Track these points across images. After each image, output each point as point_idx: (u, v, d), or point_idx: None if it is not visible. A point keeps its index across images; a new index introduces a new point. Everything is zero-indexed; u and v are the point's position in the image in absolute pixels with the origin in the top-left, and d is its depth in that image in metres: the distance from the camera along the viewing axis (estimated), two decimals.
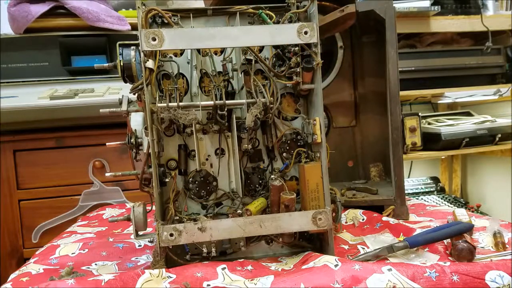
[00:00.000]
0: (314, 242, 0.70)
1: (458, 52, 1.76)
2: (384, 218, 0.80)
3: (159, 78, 0.67)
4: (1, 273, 1.32)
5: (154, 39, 0.58)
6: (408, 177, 2.11)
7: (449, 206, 1.41)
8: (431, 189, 2.00)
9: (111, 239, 0.81)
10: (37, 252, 0.74)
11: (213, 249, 0.64)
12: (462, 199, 1.96)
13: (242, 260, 0.63)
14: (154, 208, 0.64)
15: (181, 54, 0.69)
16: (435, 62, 1.72)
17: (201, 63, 0.69)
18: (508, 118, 1.79)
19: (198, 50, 0.69)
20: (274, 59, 0.69)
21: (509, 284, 0.51)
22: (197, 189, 0.68)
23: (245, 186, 0.69)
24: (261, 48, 0.70)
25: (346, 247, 0.71)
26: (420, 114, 1.67)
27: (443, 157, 2.16)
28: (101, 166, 1.37)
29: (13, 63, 1.38)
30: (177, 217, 0.65)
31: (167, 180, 0.65)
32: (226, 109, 0.65)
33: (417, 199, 1.63)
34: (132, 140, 0.66)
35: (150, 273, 0.54)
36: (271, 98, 0.66)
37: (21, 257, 1.34)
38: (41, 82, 1.37)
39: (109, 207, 1.15)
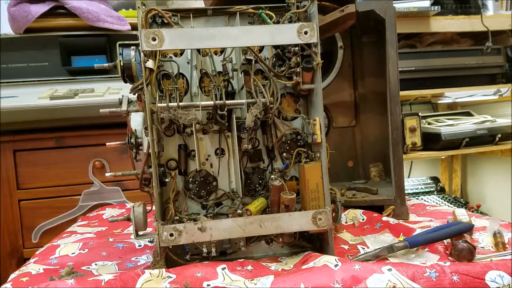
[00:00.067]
0: (314, 242, 0.70)
1: (458, 52, 1.76)
2: (384, 218, 0.80)
3: (159, 78, 0.67)
4: (1, 273, 1.32)
5: (154, 39, 0.58)
6: (408, 177, 2.11)
7: (449, 206, 1.41)
8: (431, 189, 2.00)
9: (111, 239, 0.81)
10: (37, 252, 0.74)
11: (213, 249, 0.64)
12: (462, 199, 1.96)
13: (242, 260, 0.63)
14: (154, 208, 0.64)
15: (181, 54, 0.69)
16: (435, 62, 1.72)
17: (201, 63, 0.69)
18: (508, 118, 1.79)
19: (198, 50, 0.69)
20: (274, 59, 0.69)
21: (509, 284, 0.51)
22: (197, 189, 0.68)
23: (245, 186, 0.69)
24: (261, 48, 0.70)
25: (346, 247, 0.71)
26: (420, 114, 1.67)
27: (443, 157, 2.16)
28: (101, 166, 1.37)
29: (13, 63, 1.38)
30: (177, 217, 0.65)
31: (167, 180, 0.65)
32: (226, 109, 0.65)
33: (417, 199, 1.63)
34: (132, 140, 0.66)
35: (150, 273, 0.54)
36: (271, 98, 0.66)
37: (21, 257, 1.34)
38: (41, 82, 1.37)
39: (109, 207, 1.15)
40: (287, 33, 0.62)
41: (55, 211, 1.34)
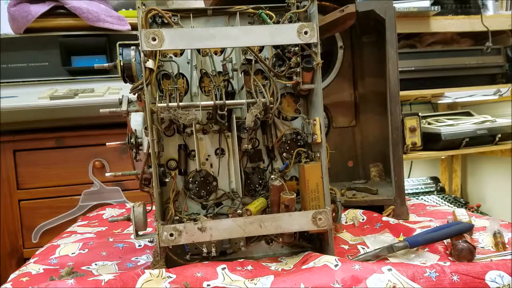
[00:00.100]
0: (314, 242, 0.70)
1: (458, 52, 1.76)
2: (384, 218, 0.80)
3: (159, 78, 0.67)
4: (1, 273, 1.32)
5: (154, 39, 0.58)
6: (408, 177, 2.11)
7: (449, 206, 1.41)
8: (431, 189, 2.00)
9: (111, 239, 0.81)
10: (37, 252, 0.74)
11: (213, 249, 0.64)
12: (462, 199, 1.96)
13: (242, 260, 0.63)
14: (154, 208, 0.64)
15: (181, 54, 0.69)
16: (435, 62, 1.72)
17: (201, 63, 0.69)
18: (508, 118, 1.79)
19: (198, 50, 0.69)
20: (274, 59, 0.69)
21: (509, 284, 0.51)
22: (197, 189, 0.68)
23: (245, 186, 0.69)
24: (261, 48, 0.70)
25: (346, 247, 0.71)
26: (420, 114, 1.67)
27: (443, 157, 2.16)
28: (101, 166, 1.37)
29: (13, 63, 1.38)
30: (177, 217, 0.65)
31: (167, 180, 0.65)
32: (226, 109, 0.65)
33: (417, 199, 1.63)
34: (132, 140, 0.66)
35: (150, 273, 0.54)
36: (271, 98, 0.66)
37: (21, 257, 1.34)
38: (41, 82, 1.37)
39: (109, 207, 1.15)
40: (287, 33, 0.62)
41: (55, 211, 1.34)
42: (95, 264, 0.67)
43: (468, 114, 1.91)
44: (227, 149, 0.70)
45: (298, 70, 0.66)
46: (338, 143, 1.07)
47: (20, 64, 1.38)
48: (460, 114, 1.91)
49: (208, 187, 0.69)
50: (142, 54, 0.60)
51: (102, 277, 0.53)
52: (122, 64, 0.64)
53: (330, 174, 0.66)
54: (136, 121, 0.68)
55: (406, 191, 1.20)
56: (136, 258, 0.71)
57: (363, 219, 0.83)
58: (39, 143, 1.34)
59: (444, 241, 0.64)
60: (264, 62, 0.67)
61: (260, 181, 0.70)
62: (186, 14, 0.68)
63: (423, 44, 1.82)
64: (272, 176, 0.67)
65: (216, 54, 0.70)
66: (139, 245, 0.77)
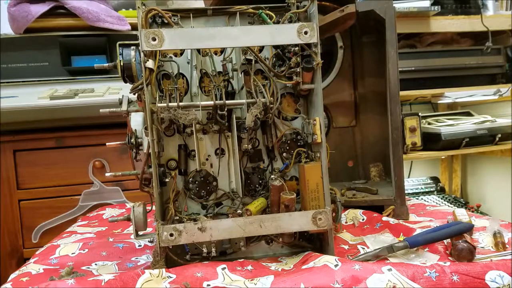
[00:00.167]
0: (314, 242, 0.70)
1: (458, 52, 1.76)
2: (384, 218, 0.80)
3: (159, 78, 0.67)
4: (1, 273, 1.32)
5: (154, 39, 0.58)
6: (408, 177, 2.11)
7: (449, 206, 1.41)
8: (431, 189, 2.00)
9: (111, 239, 0.81)
10: (37, 252, 0.74)
11: (213, 249, 0.64)
12: (462, 199, 1.96)
13: (242, 260, 0.63)
14: (154, 208, 0.64)
15: (181, 54, 0.69)
16: (435, 62, 1.72)
17: (201, 63, 0.69)
18: (508, 118, 1.79)
19: (198, 50, 0.69)
20: (274, 59, 0.69)
21: (509, 284, 0.51)
22: (197, 189, 0.68)
23: (245, 186, 0.69)
24: (261, 48, 0.70)
25: (346, 247, 0.71)
26: (420, 114, 1.67)
27: (443, 157, 2.16)
28: (101, 166, 1.37)
29: (13, 63, 1.38)
30: (177, 217, 0.65)
31: (167, 180, 0.65)
32: (226, 109, 0.65)
33: (417, 199, 1.63)
34: (132, 140, 0.66)
35: (150, 273, 0.54)
36: (271, 98, 0.66)
37: (21, 257, 1.34)
38: (41, 82, 1.37)
39: (109, 207, 1.15)
40: (287, 33, 0.62)
41: (55, 211, 1.34)
42: (95, 264, 0.67)
43: (468, 114, 1.91)
44: (227, 149, 0.70)
45: (298, 70, 0.66)
46: (338, 143, 1.07)
47: (20, 64, 1.38)
48: (460, 114, 1.91)
49: (208, 187, 0.69)
50: (142, 54, 0.60)
51: (102, 277, 0.53)
52: (122, 64, 0.64)
53: (330, 174, 0.66)
54: (136, 121, 0.68)
55: (406, 191, 1.20)
56: (136, 258, 0.71)
57: (363, 219, 0.83)
58: (39, 143, 1.34)
59: (444, 241, 0.64)
60: (264, 62, 0.67)
61: (260, 181, 0.70)
62: (186, 14, 0.68)
63: (423, 44, 1.82)
64: (272, 176, 0.67)
65: (216, 54, 0.70)
66: (139, 245, 0.77)
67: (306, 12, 0.67)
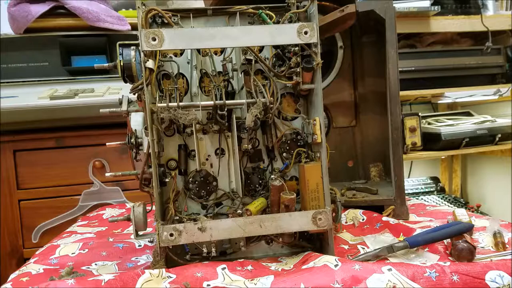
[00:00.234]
0: (314, 242, 0.70)
1: (458, 52, 1.76)
2: (384, 218, 0.80)
3: (159, 78, 0.67)
4: (1, 273, 1.32)
5: (154, 39, 0.58)
6: (408, 177, 2.11)
7: (449, 206, 1.41)
8: (431, 189, 2.00)
9: (111, 239, 0.81)
10: (37, 252, 0.74)
11: (213, 249, 0.64)
12: (462, 199, 1.96)
13: (242, 260, 0.63)
14: (154, 208, 0.64)
15: (181, 54, 0.69)
16: (435, 62, 1.72)
17: (201, 63, 0.69)
18: (508, 118, 1.79)
19: (198, 50, 0.69)
20: (274, 59, 0.69)
21: (509, 284, 0.51)
22: (197, 189, 0.68)
23: (245, 186, 0.69)
24: (261, 48, 0.70)
25: (346, 247, 0.71)
26: (420, 114, 1.67)
27: (443, 157, 2.16)
28: (101, 166, 1.37)
29: (13, 63, 1.38)
30: (177, 217, 0.65)
31: (167, 180, 0.65)
32: (226, 109, 0.65)
33: (417, 199, 1.63)
34: (132, 140, 0.66)
35: (150, 273, 0.54)
36: (271, 98, 0.66)
37: (21, 257, 1.34)
38: (41, 82, 1.37)
39: (109, 207, 1.15)
40: (287, 33, 0.62)
41: (55, 211, 1.34)
42: (95, 264, 0.67)
43: (468, 114, 1.91)
44: (227, 149, 0.70)
45: (298, 70, 0.66)
46: (338, 143, 1.07)
47: (20, 64, 1.38)
48: (460, 114, 1.91)
49: (208, 187, 0.69)
50: (142, 54, 0.60)
51: (102, 277, 0.53)
52: (122, 64, 0.64)
53: (330, 174, 0.66)
54: (136, 121, 0.68)
55: (406, 191, 1.20)
56: (136, 258, 0.71)
57: (363, 219, 0.83)
58: (39, 143, 1.34)
59: (444, 241, 0.64)
60: (264, 62, 0.67)
61: (260, 181, 0.70)
62: (186, 14, 0.68)
63: (423, 44, 1.82)
64: (272, 176, 0.67)
65: (216, 54, 0.70)
66: (139, 245, 0.77)
67: (306, 12, 0.67)
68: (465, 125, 1.73)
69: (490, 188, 2.13)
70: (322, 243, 0.68)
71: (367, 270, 0.52)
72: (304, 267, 0.58)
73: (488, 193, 2.14)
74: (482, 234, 0.69)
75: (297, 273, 0.53)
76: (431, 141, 1.68)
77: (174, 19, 0.67)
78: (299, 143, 0.70)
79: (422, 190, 1.99)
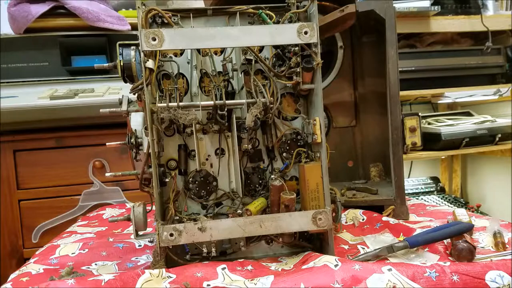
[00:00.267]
0: (314, 242, 0.70)
1: (458, 52, 1.76)
2: (384, 218, 0.80)
3: (159, 78, 0.67)
4: (1, 273, 1.32)
5: (154, 39, 0.58)
6: (408, 177, 2.11)
7: (449, 206, 1.41)
8: (431, 189, 2.00)
9: (111, 239, 0.81)
10: (37, 252, 0.74)
11: (213, 249, 0.64)
12: (462, 199, 1.96)
13: (242, 260, 0.63)
14: (154, 208, 0.64)
15: (181, 54, 0.69)
16: (435, 62, 1.73)
17: (201, 63, 0.69)
18: (508, 118, 1.79)
19: (198, 50, 0.69)
20: (274, 59, 0.69)
21: (509, 284, 0.51)
22: (197, 189, 0.68)
23: (245, 186, 0.69)
24: (261, 48, 0.70)
25: (346, 247, 0.71)
26: (420, 114, 1.67)
27: (443, 157, 2.16)
28: (101, 166, 1.37)
29: (13, 63, 1.38)
30: (177, 217, 0.65)
31: (167, 180, 0.65)
32: (226, 109, 0.65)
33: (417, 199, 1.63)
34: (132, 140, 0.66)
35: (150, 273, 0.54)
36: (271, 98, 0.66)
37: (21, 257, 1.34)
38: (41, 82, 1.37)
39: (109, 207, 1.15)
40: (287, 33, 0.62)
41: (55, 211, 1.34)
42: (95, 264, 0.67)
43: (468, 114, 1.91)
44: (227, 149, 0.70)
45: (298, 70, 0.66)
46: (338, 143, 1.07)
47: (20, 64, 1.38)
48: (460, 114, 1.91)
49: (208, 187, 0.69)
50: (142, 54, 0.60)
51: (102, 277, 0.53)
52: (122, 64, 0.64)
53: (330, 174, 0.66)
54: (136, 121, 0.68)
55: (406, 191, 1.20)
56: (136, 258, 0.71)
57: (363, 219, 0.83)
58: (39, 143, 1.34)
59: (444, 241, 0.64)
60: (264, 62, 0.67)
61: (260, 181, 0.70)
62: (186, 14, 0.68)
63: (423, 44, 1.82)
64: (272, 176, 0.67)
65: (216, 54, 0.70)
66: (139, 245, 0.77)
67: (306, 12, 0.67)
68: (465, 125, 1.73)
69: (490, 188, 2.13)
70: (322, 243, 0.68)
71: (367, 270, 0.52)
72: (304, 267, 0.58)
73: (488, 193, 2.14)
74: (482, 234, 0.69)
75: (297, 273, 0.53)
76: (431, 141, 1.68)
77: (174, 19, 0.67)
78: (299, 143, 0.70)
79: (422, 190, 1.99)
